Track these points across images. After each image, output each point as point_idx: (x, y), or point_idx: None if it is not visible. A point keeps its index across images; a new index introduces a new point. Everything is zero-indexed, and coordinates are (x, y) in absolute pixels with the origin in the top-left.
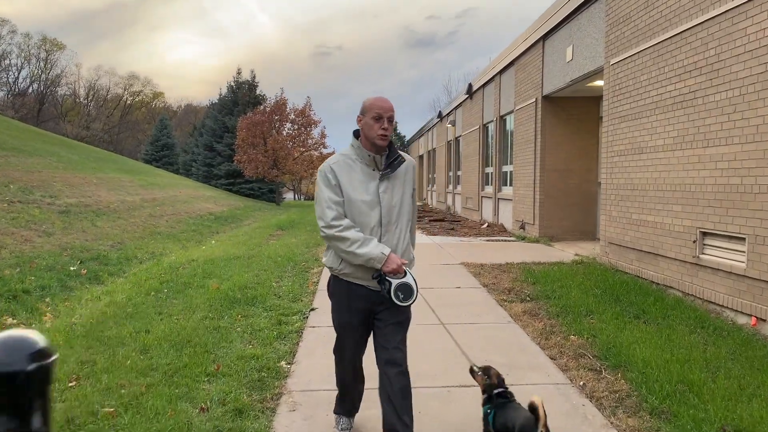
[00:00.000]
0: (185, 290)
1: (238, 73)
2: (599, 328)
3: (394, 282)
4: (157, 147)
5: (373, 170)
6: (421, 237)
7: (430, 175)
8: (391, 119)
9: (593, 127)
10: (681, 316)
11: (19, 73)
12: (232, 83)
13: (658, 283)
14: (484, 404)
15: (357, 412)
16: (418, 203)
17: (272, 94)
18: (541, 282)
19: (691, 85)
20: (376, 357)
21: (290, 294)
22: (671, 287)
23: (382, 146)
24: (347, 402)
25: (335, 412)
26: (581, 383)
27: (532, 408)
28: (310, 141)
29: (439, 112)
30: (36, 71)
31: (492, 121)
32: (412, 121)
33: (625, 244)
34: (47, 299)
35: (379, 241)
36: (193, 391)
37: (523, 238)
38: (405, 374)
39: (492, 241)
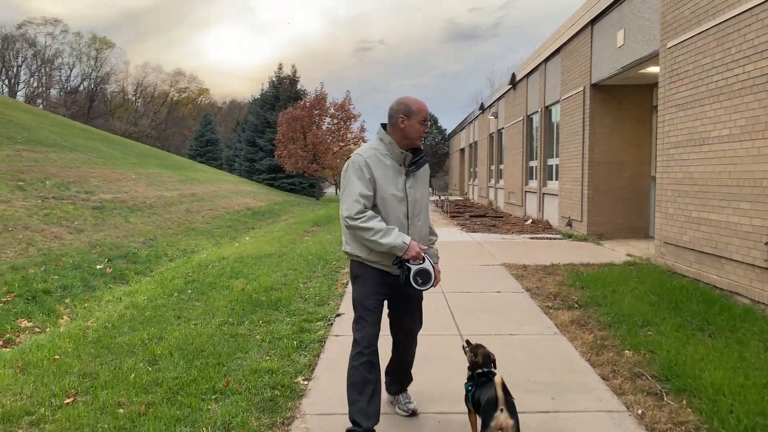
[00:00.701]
0: (209, 291)
1: (279, 68)
2: (658, 342)
3: (414, 268)
4: (202, 142)
5: (400, 166)
6: (460, 234)
7: (472, 169)
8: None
9: (645, 117)
10: (753, 329)
11: (71, 72)
12: (274, 79)
13: (722, 289)
14: (467, 382)
15: (377, 421)
16: (459, 197)
17: (314, 90)
18: (591, 286)
19: (763, 68)
20: (392, 331)
21: (317, 297)
22: (738, 294)
23: (419, 147)
24: (362, 402)
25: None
26: (639, 411)
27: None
28: (349, 135)
29: (481, 104)
30: (87, 69)
31: (536, 112)
32: (454, 115)
33: (684, 245)
34: (67, 300)
35: (408, 231)
36: (197, 412)
37: (570, 236)
38: (414, 344)
39: (536, 239)
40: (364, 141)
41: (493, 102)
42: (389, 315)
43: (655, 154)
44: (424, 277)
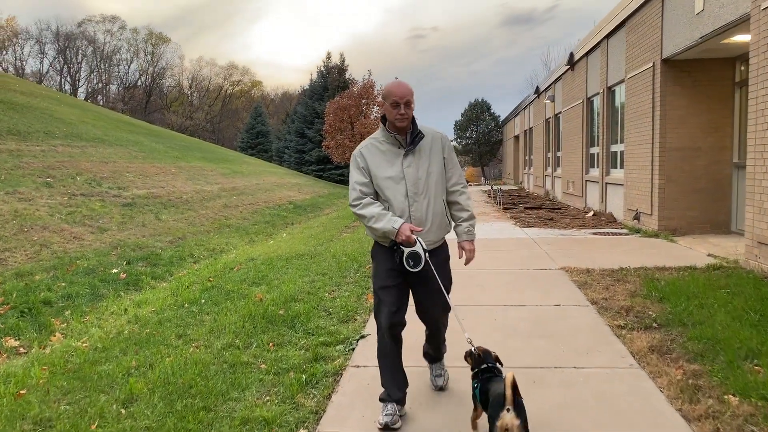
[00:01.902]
0: (225, 301)
1: (328, 57)
2: None
3: (406, 251)
4: (252, 135)
5: (399, 148)
6: (513, 229)
7: (527, 157)
8: (408, 104)
9: (726, 96)
10: None
11: (129, 67)
12: (322, 68)
13: None
14: (473, 380)
15: (405, 400)
16: (513, 187)
17: (361, 78)
18: (671, 298)
19: None
20: (417, 313)
21: (342, 311)
22: None
23: (401, 127)
24: (389, 382)
25: (380, 399)
26: None
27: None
28: None
29: (536, 87)
30: (144, 65)
31: (597, 93)
32: (509, 101)
33: None
34: (68, 312)
35: (409, 210)
36: None
37: (637, 231)
38: (439, 329)
39: (599, 234)
40: None
41: (550, 85)
42: (413, 296)
43: (738, 138)
44: (415, 259)
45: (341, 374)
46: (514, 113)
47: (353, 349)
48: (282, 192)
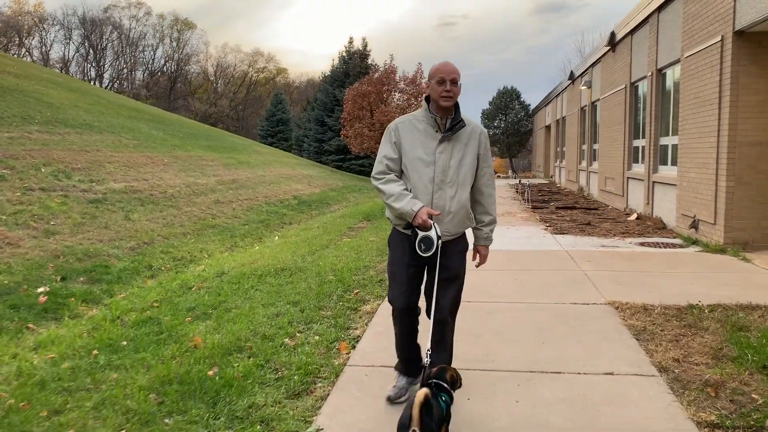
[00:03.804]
0: (147, 348)
1: (350, 42)
2: None
3: (420, 234)
4: (273, 122)
5: (436, 132)
6: (543, 237)
7: (559, 149)
8: (454, 81)
9: None
10: None
11: (154, 53)
12: (344, 54)
13: None
14: None
15: (412, 358)
16: (544, 180)
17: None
18: None
19: None
20: (426, 305)
21: (298, 372)
22: None
23: (447, 107)
24: (404, 361)
25: (396, 368)
26: None
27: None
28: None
29: (571, 72)
30: (169, 51)
31: (645, 77)
32: (540, 91)
33: None
34: None
35: (432, 197)
36: None
37: (694, 242)
38: (445, 321)
39: (649, 246)
40: None
41: (586, 69)
42: (424, 288)
43: None
44: (428, 244)
45: None
46: (546, 101)
47: None
48: (288, 185)
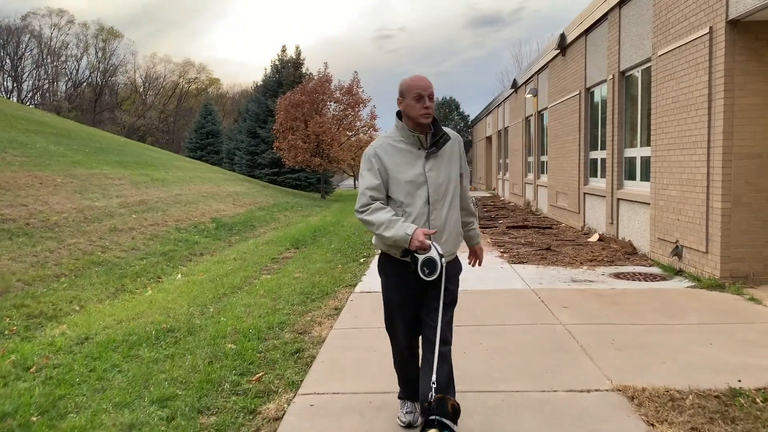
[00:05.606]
0: None
1: (283, 51)
2: None
3: (421, 258)
4: (202, 135)
5: (419, 149)
6: (501, 269)
7: (501, 161)
8: (431, 96)
9: None
10: None
11: (78, 64)
12: (277, 62)
13: None
14: None
15: (414, 394)
16: (486, 194)
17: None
18: None
19: None
20: (422, 333)
21: None
22: None
23: (426, 124)
24: (408, 386)
25: (399, 397)
26: None
27: None
28: (358, 123)
29: (513, 81)
30: (94, 61)
31: (602, 81)
32: (477, 103)
33: None
34: None
35: (428, 218)
36: None
37: (678, 272)
38: (447, 339)
39: (626, 277)
40: (375, 129)
41: (531, 77)
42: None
43: None
44: (431, 266)
45: None
46: (486, 111)
47: None
48: (208, 205)
